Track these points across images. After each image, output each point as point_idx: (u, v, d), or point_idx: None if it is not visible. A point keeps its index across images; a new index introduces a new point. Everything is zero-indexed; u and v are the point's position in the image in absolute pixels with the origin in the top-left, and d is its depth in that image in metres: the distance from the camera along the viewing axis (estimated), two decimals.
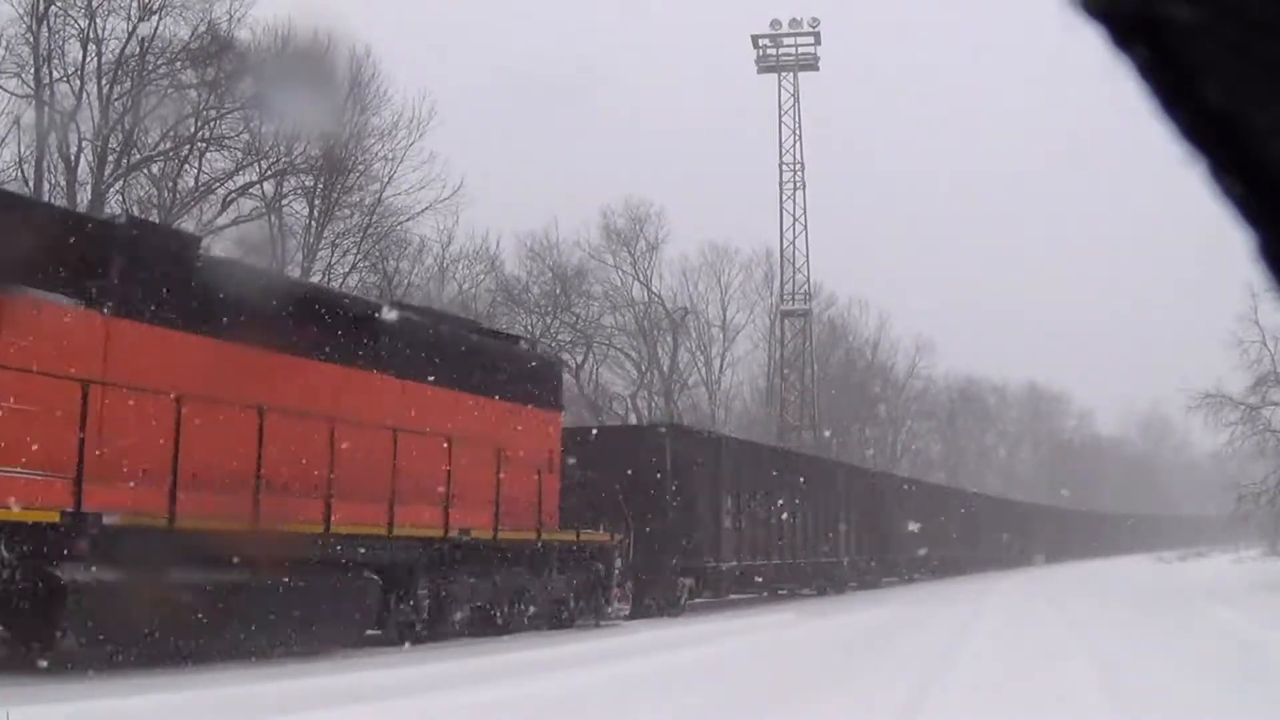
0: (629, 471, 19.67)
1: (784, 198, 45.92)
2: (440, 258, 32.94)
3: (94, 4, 23.59)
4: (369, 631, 13.63)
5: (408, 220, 29.97)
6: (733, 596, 24.94)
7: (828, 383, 50.69)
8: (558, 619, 17.07)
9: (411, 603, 13.95)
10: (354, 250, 28.81)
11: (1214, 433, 36.49)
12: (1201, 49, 0.81)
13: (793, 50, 46.23)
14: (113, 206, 24.58)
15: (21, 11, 22.75)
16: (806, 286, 46.34)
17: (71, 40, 23.81)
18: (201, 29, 24.64)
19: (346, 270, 28.71)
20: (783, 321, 47.12)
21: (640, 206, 43.52)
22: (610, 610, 18.22)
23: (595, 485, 18.66)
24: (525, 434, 16.41)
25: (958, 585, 33.87)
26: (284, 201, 27.91)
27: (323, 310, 13.40)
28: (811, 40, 46.04)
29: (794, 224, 45.88)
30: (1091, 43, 0.84)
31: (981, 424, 76.17)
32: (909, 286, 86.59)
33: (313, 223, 28.08)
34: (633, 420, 38.90)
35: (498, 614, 15.56)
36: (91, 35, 23.78)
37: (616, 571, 18.30)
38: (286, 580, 11.84)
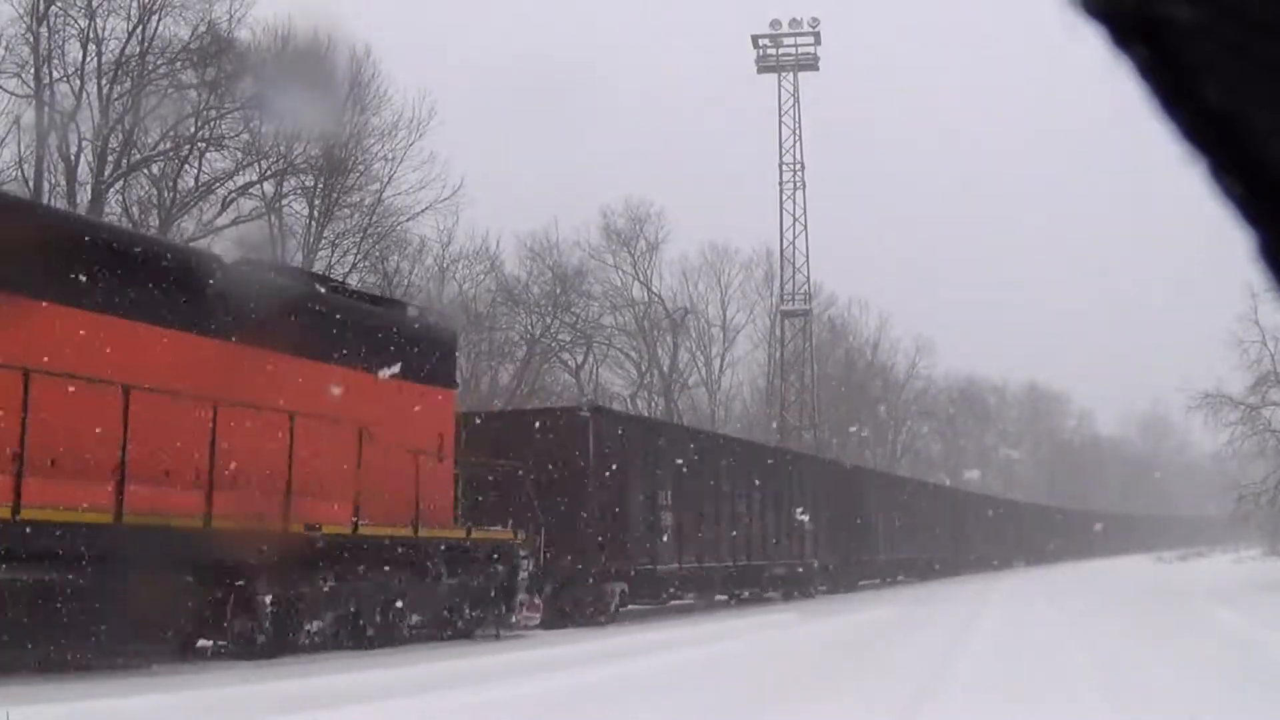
0: (544, 460, 17.61)
1: (784, 198, 46.02)
2: (440, 258, 32.99)
3: (94, 4, 23.61)
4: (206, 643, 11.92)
5: (408, 220, 30.04)
6: (676, 602, 22.38)
7: (828, 383, 50.71)
8: (453, 630, 14.97)
9: (251, 611, 11.82)
10: (354, 250, 28.86)
11: (1214, 433, 36.52)
12: (1201, 49, 0.81)
13: (793, 50, 46.26)
14: (112, 206, 24.63)
15: (21, 11, 22.80)
16: (806, 286, 46.43)
17: (71, 40, 23.87)
18: (201, 29, 24.68)
19: (346, 270, 28.70)
20: (783, 321, 47.14)
21: (640, 206, 43.69)
22: (515, 620, 16.04)
23: (503, 476, 16.61)
24: (403, 413, 14.18)
25: (946, 588, 32.22)
26: (284, 201, 27.95)
27: (120, 256, 11.20)
28: (811, 40, 46.08)
29: (794, 224, 45.97)
30: (1091, 43, 0.84)
31: (981, 424, 76.19)
32: (909, 286, 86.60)
33: (313, 223, 28.11)
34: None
35: (367, 625, 13.43)
36: (91, 35, 23.82)
37: (524, 575, 16.17)
38: (53, 580, 9.74)
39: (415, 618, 14.21)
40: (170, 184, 25.46)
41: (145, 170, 25.31)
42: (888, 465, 53.08)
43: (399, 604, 13.92)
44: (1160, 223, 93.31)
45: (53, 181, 23.75)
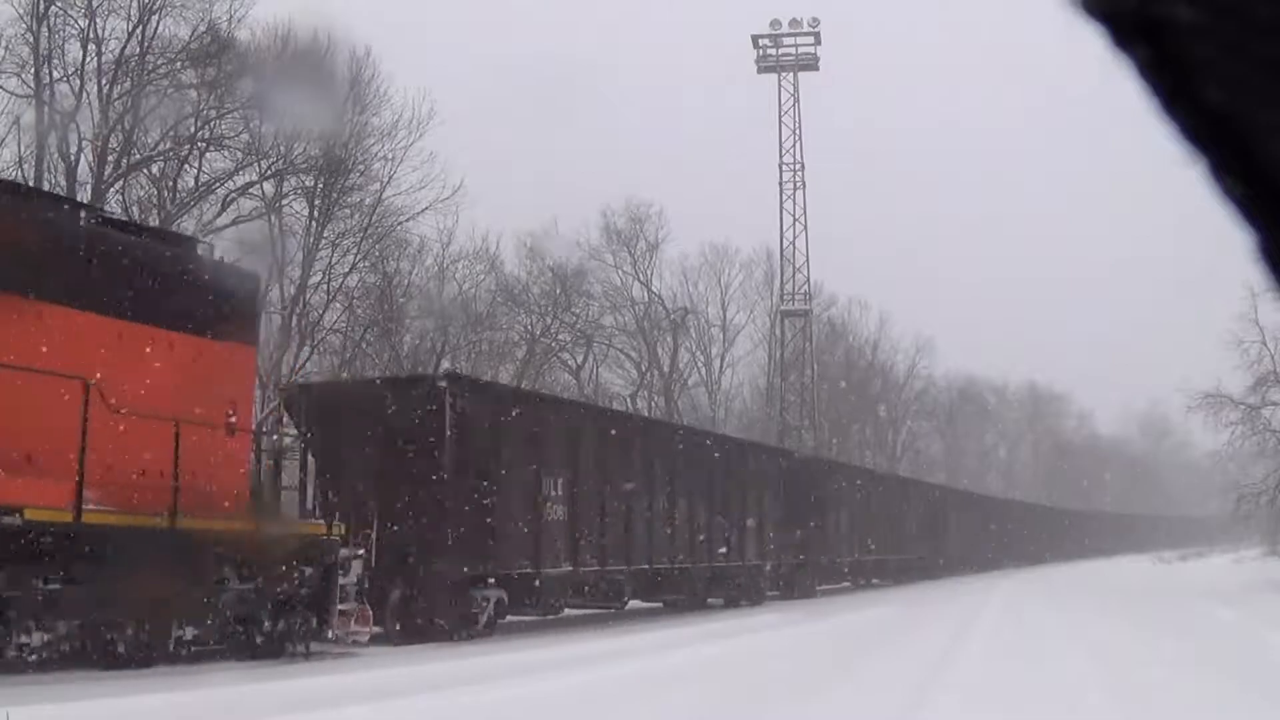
0: (392, 439, 15.02)
1: (784, 198, 46.02)
2: (440, 258, 32.97)
3: (94, 4, 23.60)
4: None
5: (408, 220, 30.00)
6: (589, 611, 19.32)
7: (828, 383, 50.71)
8: (250, 645, 12.19)
9: None
10: (354, 250, 28.83)
11: (1214, 433, 36.59)
12: (1201, 49, 0.81)
13: (793, 50, 46.29)
14: (113, 206, 24.60)
15: (21, 11, 22.78)
16: (806, 286, 46.43)
17: (71, 40, 23.85)
18: (201, 29, 24.68)
19: (346, 270, 28.75)
20: (783, 321, 47.15)
21: (640, 206, 43.63)
22: (335, 634, 13.04)
23: (332, 458, 14.14)
24: (170, 372, 11.42)
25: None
26: (284, 201, 27.93)
27: None
28: (811, 40, 46.11)
29: (794, 224, 45.98)
30: (1092, 43, 0.84)
31: (981, 424, 76.20)
32: (909, 286, 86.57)
33: (313, 223, 28.11)
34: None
35: (118, 639, 10.73)
36: (91, 35, 23.81)
37: (351, 579, 13.32)
38: None
39: (190, 631, 11.44)
40: (170, 184, 25.46)
41: (145, 170, 25.30)
42: (888, 465, 53.02)
43: (164, 614, 11.21)
44: (1161, 222, 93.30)
45: (53, 181, 23.72)
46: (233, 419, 12.30)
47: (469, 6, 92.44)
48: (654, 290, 44.25)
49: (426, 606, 14.99)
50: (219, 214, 25.99)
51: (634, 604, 20.66)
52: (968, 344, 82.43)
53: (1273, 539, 43.65)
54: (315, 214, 28.10)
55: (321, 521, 13.35)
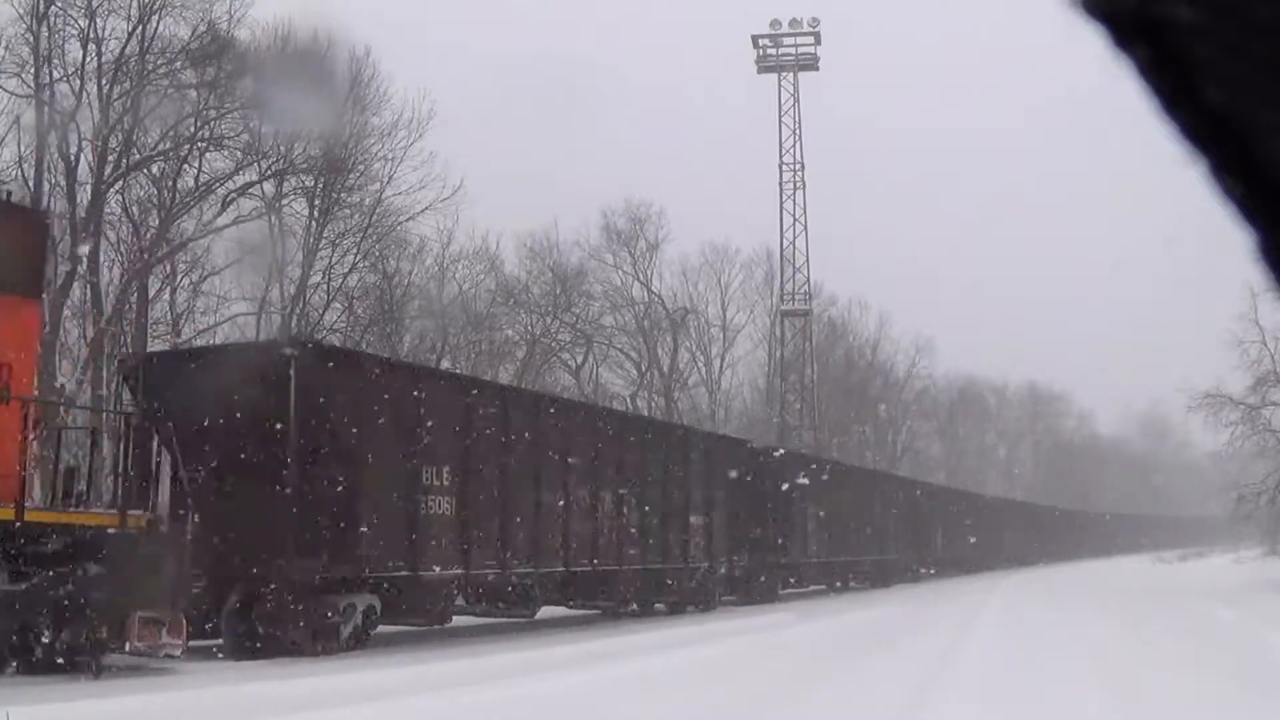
0: (227, 418, 12.85)
1: (784, 198, 46.07)
2: (440, 258, 32.97)
3: (94, 4, 23.60)
4: None
5: (408, 220, 30.00)
6: (504, 619, 17.00)
7: (828, 383, 50.73)
8: (28, 659, 10.03)
9: None
10: (354, 250, 28.85)
11: (1214, 433, 36.60)
12: (1201, 49, 0.81)
13: (793, 50, 46.34)
14: (113, 206, 24.66)
15: (21, 11, 22.77)
16: (806, 286, 46.48)
17: (71, 40, 23.85)
18: (201, 29, 24.67)
19: (346, 270, 28.75)
20: (783, 321, 47.18)
21: (640, 206, 43.61)
22: (136, 647, 10.69)
23: (170, 439, 12.31)
24: None
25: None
26: (284, 201, 27.94)
27: None
28: (811, 40, 46.17)
29: (794, 224, 46.02)
30: (1092, 43, 0.84)
31: (981, 424, 76.21)
32: (909, 286, 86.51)
33: (313, 223, 28.13)
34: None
35: None
36: (91, 35, 23.81)
37: (162, 578, 11.17)
38: None
39: None
40: (170, 184, 25.45)
41: (145, 170, 25.30)
42: (888, 465, 52.98)
43: None
44: (1161, 222, 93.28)
45: (53, 181, 23.75)
46: (4, 383, 10.24)
47: (469, 6, 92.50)
48: (654, 290, 44.31)
49: (271, 615, 12.64)
50: (219, 214, 26.01)
51: (558, 612, 18.39)
52: (968, 344, 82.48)
53: (1273, 539, 43.64)
54: (315, 214, 28.13)
55: (113, 511, 11.19)
